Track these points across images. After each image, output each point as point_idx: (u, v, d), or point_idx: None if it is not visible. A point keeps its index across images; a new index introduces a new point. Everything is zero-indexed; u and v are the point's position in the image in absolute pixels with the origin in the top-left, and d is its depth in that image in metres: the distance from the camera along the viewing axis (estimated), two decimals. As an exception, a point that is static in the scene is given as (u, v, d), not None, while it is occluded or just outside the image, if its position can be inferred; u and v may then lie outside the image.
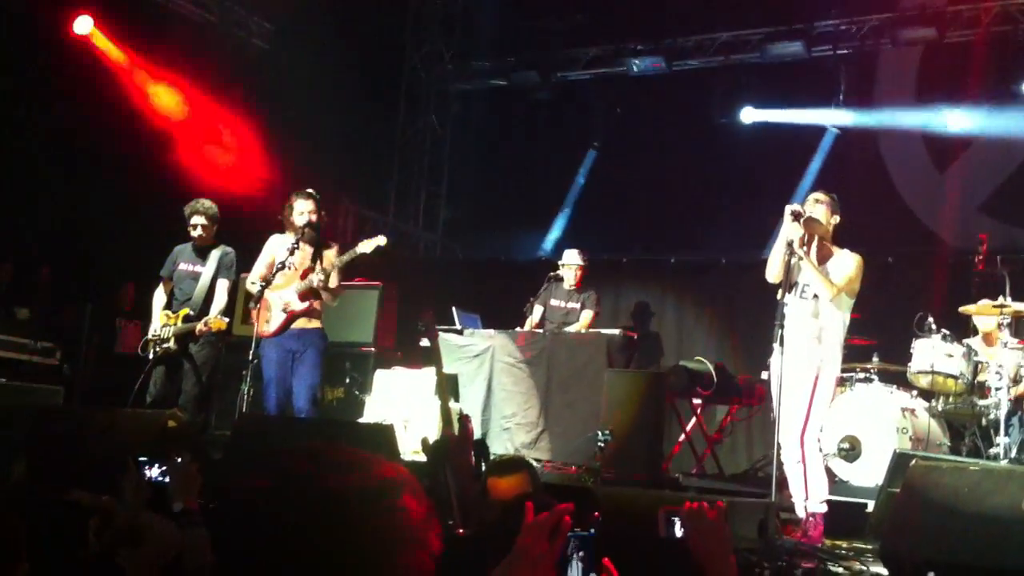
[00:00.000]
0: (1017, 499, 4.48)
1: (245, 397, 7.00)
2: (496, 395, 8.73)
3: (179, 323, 7.48)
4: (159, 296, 7.73)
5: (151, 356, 7.46)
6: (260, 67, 10.91)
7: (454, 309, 9.19)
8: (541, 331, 9.04)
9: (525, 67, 12.25)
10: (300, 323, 7.16)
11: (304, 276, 7.10)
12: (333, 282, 7.09)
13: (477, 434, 8.19)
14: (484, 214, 12.47)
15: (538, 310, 9.30)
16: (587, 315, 9.11)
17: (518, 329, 9.09)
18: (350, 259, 7.16)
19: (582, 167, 12.38)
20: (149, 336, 7.55)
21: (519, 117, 12.48)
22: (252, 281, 7.28)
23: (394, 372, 8.62)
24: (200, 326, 7.34)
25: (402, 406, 8.14)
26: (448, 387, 7.00)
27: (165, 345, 7.44)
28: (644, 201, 11.44)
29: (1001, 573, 4.30)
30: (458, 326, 9.11)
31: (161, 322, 7.55)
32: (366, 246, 7.09)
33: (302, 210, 7.15)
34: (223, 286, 7.63)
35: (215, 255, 7.65)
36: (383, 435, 6.14)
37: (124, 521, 2.43)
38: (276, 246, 7.30)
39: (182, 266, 7.69)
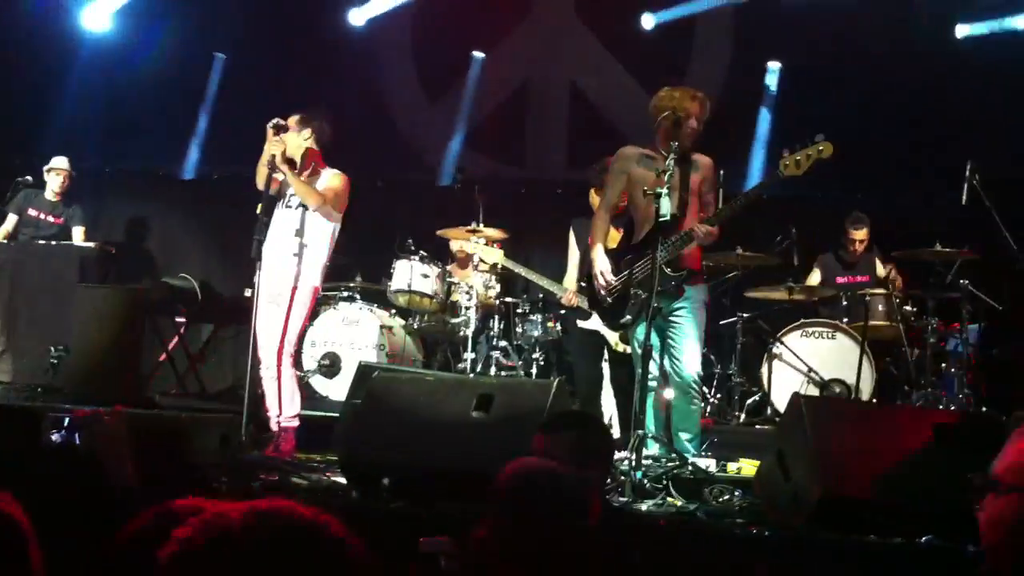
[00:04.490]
0: (466, 406, 4.78)
1: None
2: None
3: None
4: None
5: None
6: None
7: None
8: (7, 242, 8.22)
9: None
10: None
11: None
12: None
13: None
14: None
15: (12, 219, 8.46)
16: (80, 232, 8.47)
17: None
18: None
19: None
20: None
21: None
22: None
23: None
24: None
25: None
26: None
27: None
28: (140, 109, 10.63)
29: (450, 474, 4.58)
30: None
31: None
32: None
33: None
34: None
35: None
36: None
37: None
38: None
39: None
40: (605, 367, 7.08)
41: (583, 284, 6.61)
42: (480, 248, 7.62)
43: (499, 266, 7.88)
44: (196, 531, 1.38)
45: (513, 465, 2.84)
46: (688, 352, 5.59)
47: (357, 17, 10.44)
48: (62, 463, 2.12)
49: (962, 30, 9.48)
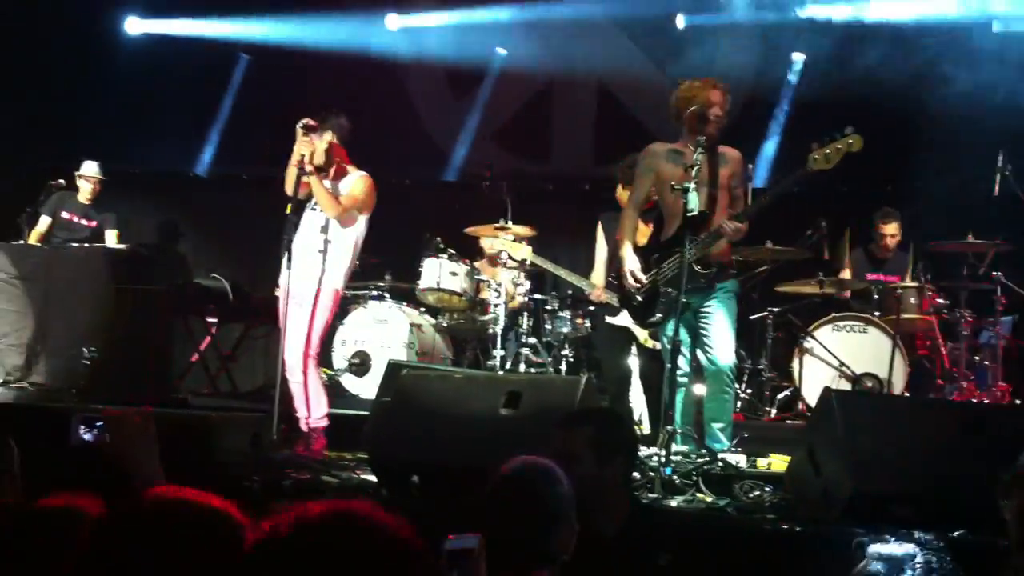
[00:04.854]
0: (495, 403, 4.79)
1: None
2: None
3: None
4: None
5: None
6: None
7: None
8: (40, 245, 8.32)
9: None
10: None
11: None
12: None
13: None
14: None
15: (45, 220, 8.56)
16: (112, 235, 8.55)
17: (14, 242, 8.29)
18: None
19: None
20: None
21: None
22: None
23: None
24: None
25: None
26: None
27: None
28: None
29: (477, 471, 4.58)
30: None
31: None
32: None
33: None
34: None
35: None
36: None
37: None
38: None
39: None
40: (634, 363, 7.06)
41: (612, 280, 6.60)
42: (508, 245, 7.62)
43: (527, 263, 7.88)
44: (281, 523, 1.40)
45: (507, 463, 2.83)
46: (722, 341, 5.55)
47: (394, 22, 10.56)
48: (90, 463, 2.16)
49: (999, 25, 9.39)
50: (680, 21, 10.11)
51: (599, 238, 7.20)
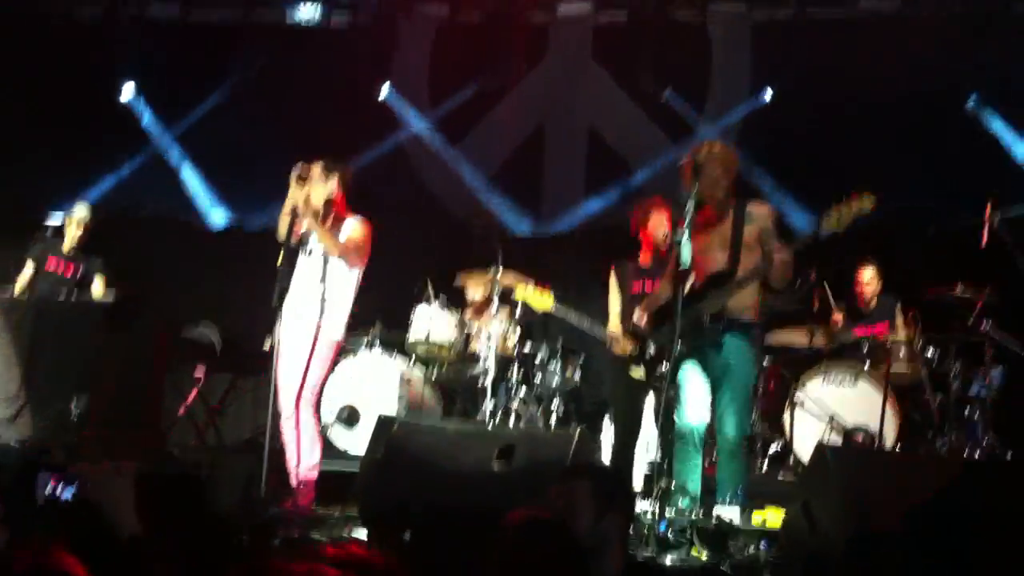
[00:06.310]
0: (487, 456, 4.76)
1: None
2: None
3: None
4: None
5: None
6: None
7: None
8: (26, 295, 8.24)
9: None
10: None
11: None
12: None
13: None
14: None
15: (29, 266, 8.45)
16: (99, 281, 8.48)
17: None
18: None
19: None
20: None
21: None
22: None
23: None
24: None
25: None
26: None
27: None
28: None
29: (472, 526, 4.53)
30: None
31: None
32: None
33: None
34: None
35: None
36: None
37: None
38: None
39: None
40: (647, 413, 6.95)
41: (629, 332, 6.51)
42: (530, 296, 7.51)
43: (518, 315, 7.85)
44: None
45: (513, 515, 2.79)
46: (727, 411, 5.45)
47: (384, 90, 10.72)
48: (71, 519, 2.13)
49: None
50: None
51: (612, 286, 7.09)
